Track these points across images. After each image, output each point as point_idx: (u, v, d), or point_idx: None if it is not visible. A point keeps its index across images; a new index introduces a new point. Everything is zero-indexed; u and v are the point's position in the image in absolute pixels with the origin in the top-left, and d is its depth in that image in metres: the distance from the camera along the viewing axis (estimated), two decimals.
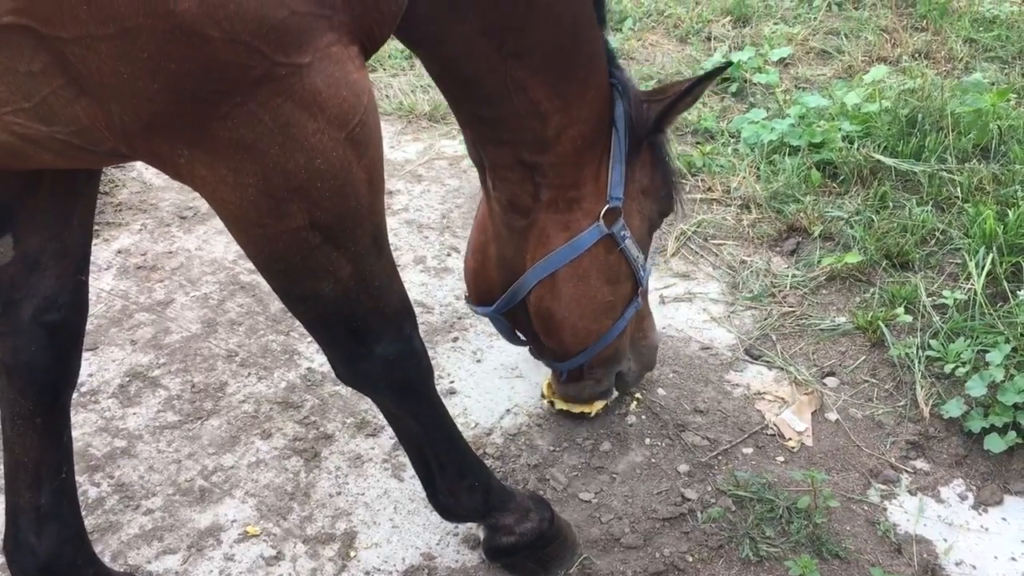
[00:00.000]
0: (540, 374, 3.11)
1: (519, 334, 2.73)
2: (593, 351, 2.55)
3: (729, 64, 2.47)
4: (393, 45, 5.55)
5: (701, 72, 5.09)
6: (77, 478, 2.67)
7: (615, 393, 2.89)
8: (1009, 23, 5.58)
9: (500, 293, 2.50)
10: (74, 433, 2.86)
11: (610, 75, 2.23)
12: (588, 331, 2.48)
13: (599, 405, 2.91)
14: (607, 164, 2.29)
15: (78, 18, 1.23)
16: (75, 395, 3.02)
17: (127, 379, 3.15)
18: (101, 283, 3.64)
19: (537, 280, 2.38)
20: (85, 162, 1.61)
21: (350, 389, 2.98)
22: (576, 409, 2.90)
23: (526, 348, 2.84)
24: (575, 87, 2.11)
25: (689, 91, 2.24)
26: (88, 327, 3.34)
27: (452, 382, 3.13)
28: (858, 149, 4.14)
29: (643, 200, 2.46)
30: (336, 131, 1.47)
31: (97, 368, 3.20)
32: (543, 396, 3.01)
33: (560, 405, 2.93)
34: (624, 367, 2.76)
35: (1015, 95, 4.56)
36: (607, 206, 2.30)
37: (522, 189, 2.28)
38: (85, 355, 3.21)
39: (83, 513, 2.49)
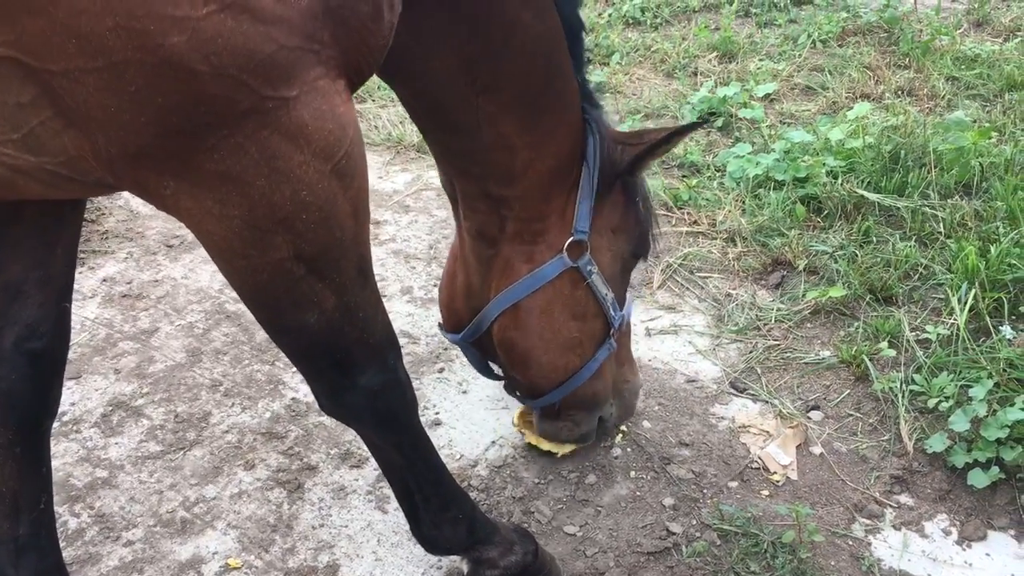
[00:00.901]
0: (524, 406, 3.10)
1: (493, 367, 2.71)
2: (565, 390, 2.52)
3: (711, 115, 2.45)
4: None
5: (688, 105, 5.15)
6: (57, 509, 2.65)
7: (592, 439, 2.81)
8: (990, 62, 5.67)
9: (468, 321, 2.51)
10: (55, 463, 2.83)
11: (584, 112, 2.25)
12: (553, 366, 2.45)
13: (568, 448, 2.88)
14: (575, 199, 2.30)
15: (66, 52, 1.24)
16: (57, 424, 3.00)
17: (110, 408, 3.13)
18: (85, 311, 3.62)
19: (500, 310, 2.38)
20: (73, 192, 1.61)
21: (335, 420, 2.98)
22: (544, 446, 2.87)
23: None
24: (546, 123, 2.13)
25: (666, 140, 2.26)
26: (71, 356, 3.34)
27: (437, 413, 3.12)
28: (842, 184, 4.18)
29: (614, 238, 2.45)
30: (322, 163, 1.48)
31: (80, 397, 3.18)
32: (514, 424, 3.00)
33: (530, 439, 2.91)
34: (606, 413, 2.72)
35: (996, 133, 4.62)
36: (571, 239, 2.31)
37: (489, 220, 2.30)
38: (68, 384, 3.20)
39: (63, 544, 2.46)
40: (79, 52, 1.24)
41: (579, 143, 2.27)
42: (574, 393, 2.56)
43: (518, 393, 2.71)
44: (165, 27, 1.24)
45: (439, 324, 2.73)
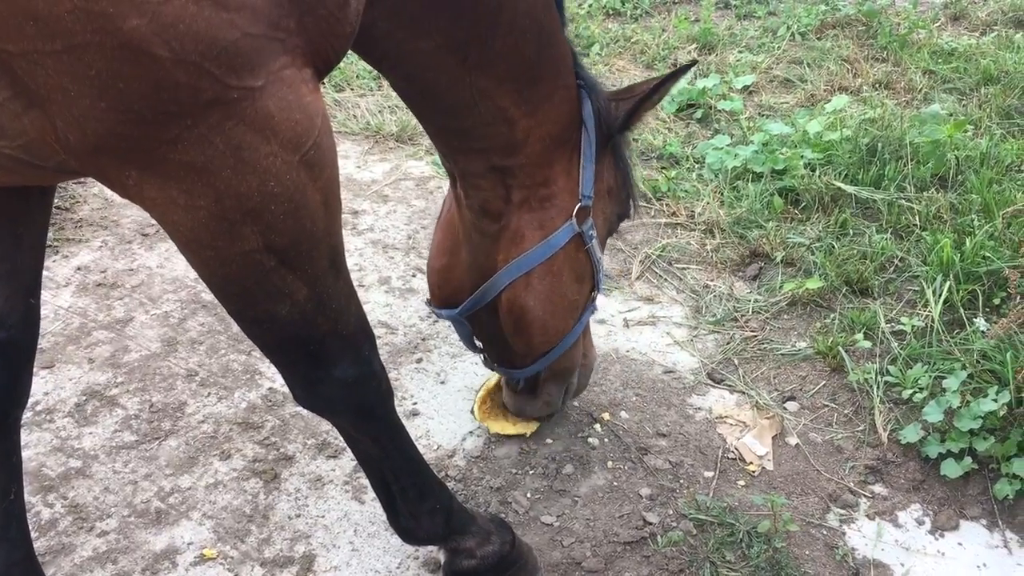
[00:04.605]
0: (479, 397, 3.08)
1: (476, 341, 2.70)
2: (554, 354, 2.55)
3: (694, 63, 2.45)
4: (361, 65, 5.55)
5: (667, 96, 5.15)
6: (30, 499, 2.63)
7: (557, 408, 2.88)
8: (967, 55, 5.71)
9: (468, 295, 2.49)
10: (28, 453, 2.81)
11: (576, 75, 2.24)
12: (556, 329, 2.49)
13: (535, 425, 2.94)
14: (578, 162, 2.30)
15: (25, 33, 1.21)
16: (30, 414, 2.97)
17: (84, 398, 3.10)
18: (59, 300, 3.58)
19: (511, 279, 2.37)
20: (34, 178, 1.58)
21: None
22: (511, 431, 2.91)
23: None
24: (542, 90, 2.12)
25: (657, 89, 2.26)
26: (45, 344, 3.31)
27: (415, 403, 3.12)
28: (819, 176, 4.20)
29: (608, 201, 2.48)
30: (289, 154, 1.46)
31: (53, 386, 3.14)
32: (475, 418, 2.99)
33: (495, 427, 2.94)
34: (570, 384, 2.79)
35: (972, 126, 4.66)
36: (579, 204, 2.31)
37: (494, 194, 2.29)
38: (41, 373, 3.17)
39: (36, 535, 2.44)
40: (38, 34, 1.21)
41: (576, 105, 2.26)
42: (557, 361, 2.59)
43: (496, 365, 2.71)
44: (124, 10, 1.21)
45: (427, 300, 2.69)
